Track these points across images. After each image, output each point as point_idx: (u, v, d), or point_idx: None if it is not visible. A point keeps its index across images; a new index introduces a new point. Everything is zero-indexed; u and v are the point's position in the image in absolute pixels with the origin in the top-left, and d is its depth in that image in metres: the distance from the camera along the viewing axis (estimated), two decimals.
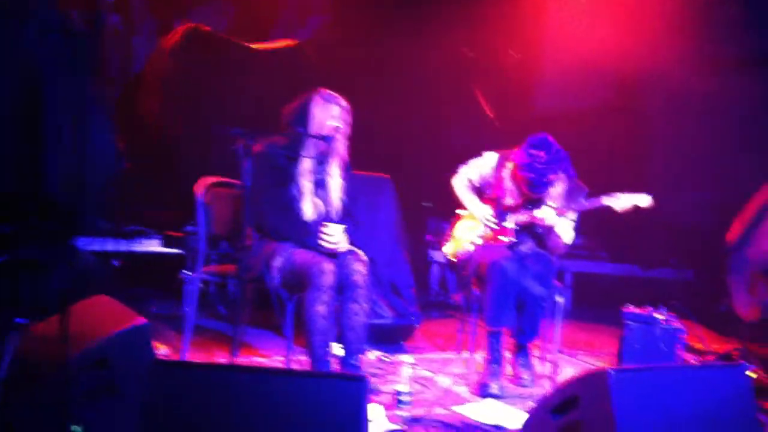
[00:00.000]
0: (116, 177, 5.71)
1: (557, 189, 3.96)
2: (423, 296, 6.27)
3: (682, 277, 6.86)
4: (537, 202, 3.99)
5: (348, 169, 3.82)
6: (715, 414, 2.81)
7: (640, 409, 2.69)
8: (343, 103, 3.71)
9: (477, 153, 4.30)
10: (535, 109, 7.14)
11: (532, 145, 3.86)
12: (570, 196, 3.99)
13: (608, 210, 3.79)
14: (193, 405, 2.36)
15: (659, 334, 3.94)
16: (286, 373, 2.82)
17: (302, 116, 3.66)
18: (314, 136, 3.62)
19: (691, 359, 4.15)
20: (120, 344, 2.84)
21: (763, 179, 4.53)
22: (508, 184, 4.07)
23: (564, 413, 2.86)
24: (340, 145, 3.71)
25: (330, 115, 3.65)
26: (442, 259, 6.50)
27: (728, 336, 4.73)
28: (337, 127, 3.64)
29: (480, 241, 4.15)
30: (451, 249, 4.29)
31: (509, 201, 4.07)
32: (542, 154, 3.83)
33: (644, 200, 3.75)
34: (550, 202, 3.93)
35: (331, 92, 3.73)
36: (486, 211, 4.13)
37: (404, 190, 5.56)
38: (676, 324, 4.01)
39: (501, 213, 4.11)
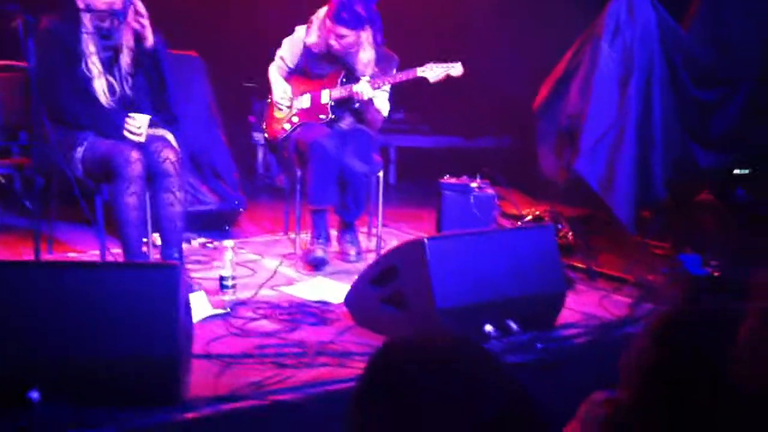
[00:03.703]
0: None
1: (367, 54, 3.92)
2: (249, 180, 6.16)
3: (502, 145, 7.12)
4: (352, 76, 3.94)
5: (160, 43, 3.46)
6: (526, 273, 2.98)
7: (455, 274, 2.80)
8: None
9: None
10: None
11: None
12: (381, 64, 3.96)
13: (423, 81, 3.81)
14: None
15: (474, 201, 4.09)
16: (92, 266, 2.68)
17: None
18: (93, 11, 3.27)
19: (506, 224, 4.36)
20: None
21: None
22: (317, 31, 3.93)
23: (384, 284, 2.94)
24: (131, 15, 3.33)
25: None
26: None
27: (541, 200, 4.99)
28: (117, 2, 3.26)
29: (297, 120, 4.07)
30: (270, 130, 4.18)
31: (315, 40, 3.95)
32: None
33: (456, 69, 3.79)
34: (365, 77, 3.88)
35: None
36: (281, 90, 4.04)
37: (223, 70, 5.32)
38: (490, 191, 4.17)
39: (317, 89, 4.03)
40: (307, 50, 4.01)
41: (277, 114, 4.14)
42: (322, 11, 3.94)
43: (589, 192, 4.44)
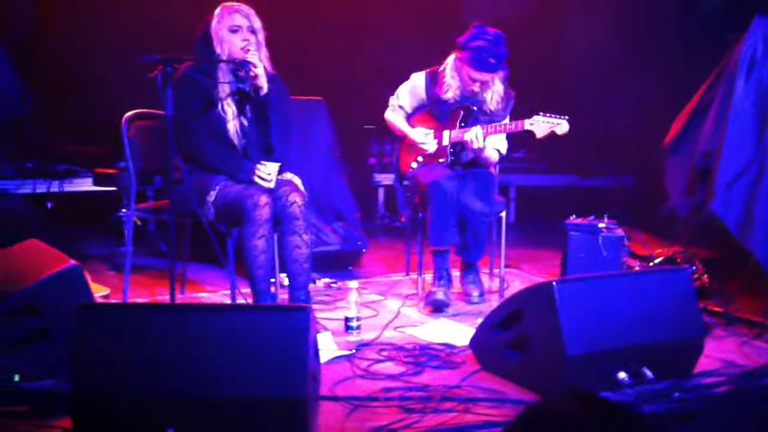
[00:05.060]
0: (27, 114, 5.43)
1: (498, 87, 3.92)
2: (370, 221, 6.23)
3: (621, 183, 6.93)
4: (470, 117, 3.93)
5: (277, 82, 3.58)
6: (661, 318, 2.84)
7: (586, 319, 2.70)
8: (244, 9, 3.49)
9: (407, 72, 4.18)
10: (462, 16, 6.99)
11: (475, 27, 3.83)
12: (504, 98, 3.95)
13: (530, 134, 3.76)
14: (126, 347, 2.29)
15: (602, 242, 3.97)
16: (225, 309, 2.75)
17: (207, 39, 3.47)
18: (226, 61, 3.44)
19: (635, 265, 4.20)
20: (51, 289, 2.74)
21: (695, 78, 4.51)
22: (451, 82, 3.93)
23: (509, 327, 2.87)
24: (257, 61, 3.42)
25: (231, 25, 3.43)
26: (387, 182, 6.46)
27: (670, 240, 4.78)
28: (247, 48, 3.41)
29: (421, 159, 4.07)
30: (401, 167, 4.19)
31: (452, 94, 3.95)
32: (488, 29, 3.80)
33: (561, 127, 3.72)
34: (477, 126, 3.86)
35: (231, 3, 3.51)
36: (422, 133, 4.05)
37: (344, 114, 5.43)
38: (618, 231, 4.04)
39: (440, 128, 4.04)
40: (437, 99, 4.01)
41: (408, 151, 4.14)
42: (449, 63, 3.94)
43: (723, 232, 4.21)
